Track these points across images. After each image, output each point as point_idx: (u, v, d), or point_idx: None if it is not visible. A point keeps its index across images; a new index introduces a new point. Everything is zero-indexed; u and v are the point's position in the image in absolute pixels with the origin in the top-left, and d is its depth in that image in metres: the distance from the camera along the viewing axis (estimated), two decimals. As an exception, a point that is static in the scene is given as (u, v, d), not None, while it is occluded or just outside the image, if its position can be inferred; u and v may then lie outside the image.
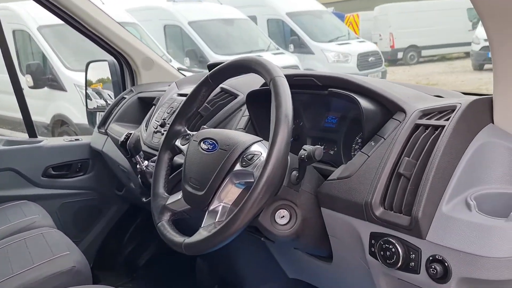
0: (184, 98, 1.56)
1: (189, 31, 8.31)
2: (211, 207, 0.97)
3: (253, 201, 0.85)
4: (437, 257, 0.81)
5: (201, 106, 1.14)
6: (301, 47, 10.08)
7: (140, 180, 1.38)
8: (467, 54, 13.29)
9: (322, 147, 0.91)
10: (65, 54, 6.15)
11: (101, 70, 2.55)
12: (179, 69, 2.43)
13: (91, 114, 2.64)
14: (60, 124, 6.20)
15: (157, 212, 1.08)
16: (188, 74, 2.40)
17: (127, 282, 2.26)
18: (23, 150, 2.16)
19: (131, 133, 1.30)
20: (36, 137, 2.31)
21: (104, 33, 2.16)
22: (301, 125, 1.31)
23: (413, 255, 0.84)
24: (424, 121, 0.93)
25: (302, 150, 0.92)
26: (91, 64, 2.50)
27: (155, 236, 2.41)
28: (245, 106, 1.37)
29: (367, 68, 9.95)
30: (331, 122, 1.21)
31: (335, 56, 9.98)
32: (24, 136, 2.39)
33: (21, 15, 6.32)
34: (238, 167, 0.95)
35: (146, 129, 1.66)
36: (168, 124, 1.50)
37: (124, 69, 2.36)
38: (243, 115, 1.34)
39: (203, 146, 1.03)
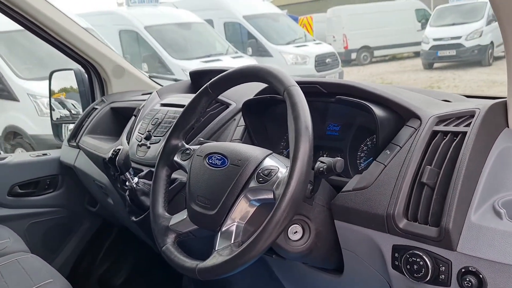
0: (169, 109, 1.49)
1: (145, 36, 8.13)
2: (224, 227, 0.90)
3: (277, 220, 0.79)
4: (470, 269, 0.78)
5: (199, 118, 1.07)
6: (259, 50, 10.10)
7: (128, 198, 1.29)
8: (417, 54, 13.75)
9: (341, 159, 0.87)
10: (16, 62, 5.85)
11: (64, 79, 2.41)
12: (150, 77, 2.33)
13: (56, 126, 2.49)
14: (12, 136, 5.88)
15: (160, 235, 0.99)
16: (162, 82, 2.31)
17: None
18: (-14, 168, 2.00)
19: (119, 149, 1.21)
20: (-1, 153, 2.15)
21: (70, 40, 2.03)
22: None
23: (443, 268, 0.81)
24: (442, 128, 0.91)
25: (319, 162, 0.87)
26: (54, 74, 2.36)
27: (132, 253, 2.33)
28: (238, 115, 1.31)
29: (325, 69, 10.08)
30: (333, 129, 1.17)
31: (293, 58, 10.06)
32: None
33: (-34, 22, 5.95)
34: (254, 183, 0.89)
35: (128, 142, 1.56)
36: (155, 136, 1.42)
37: (93, 78, 2.24)
38: (238, 125, 1.28)
39: (210, 161, 0.96)
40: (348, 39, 15.15)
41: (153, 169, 1.33)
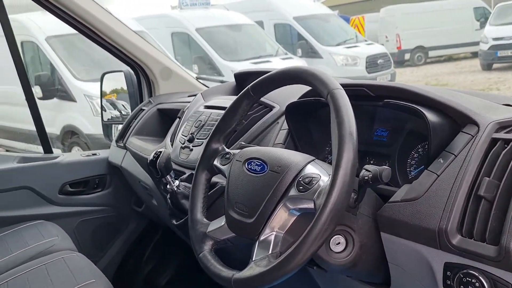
0: (212, 111, 1.47)
1: (196, 38, 8.24)
2: (262, 237, 0.86)
3: (317, 232, 0.74)
4: None
5: (240, 122, 1.04)
6: (309, 52, 9.99)
7: (169, 201, 1.28)
8: (474, 54, 13.13)
9: (388, 167, 0.80)
10: (74, 64, 6.10)
11: (115, 81, 2.47)
12: (197, 78, 2.34)
13: (106, 127, 2.55)
14: (70, 135, 6.14)
15: (197, 241, 0.97)
16: (209, 83, 2.31)
17: (149, 303, 2.15)
18: (39, 167, 2.07)
19: (160, 151, 1.20)
20: (52, 152, 2.22)
21: (120, 42, 2.07)
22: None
23: None
24: (502, 135, 0.83)
25: (364, 170, 0.81)
26: (106, 75, 2.41)
27: (176, 255, 2.33)
28: (282, 118, 1.27)
29: (376, 70, 9.85)
30: (381, 135, 1.11)
31: (343, 59, 9.88)
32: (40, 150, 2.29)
33: (29, 27, 6.28)
34: (294, 191, 0.84)
35: (172, 144, 1.56)
36: (198, 139, 1.40)
37: (141, 79, 2.27)
38: (281, 129, 1.24)
39: (249, 167, 0.92)
40: (402, 39, 14.72)
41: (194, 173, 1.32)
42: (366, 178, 0.80)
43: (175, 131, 1.60)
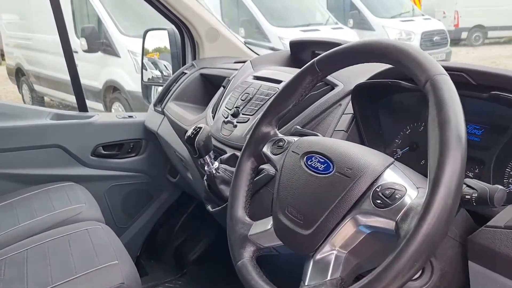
0: (262, 83, 1.28)
1: (245, 0, 7.94)
2: (320, 255, 0.68)
3: (401, 268, 0.55)
4: None
5: (298, 102, 0.85)
6: (361, 23, 9.52)
7: (206, 184, 1.11)
8: (539, 38, 12.24)
9: (505, 188, 0.60)
10: (120, 18, 5.98)
11: (159, 39, 2.30)
12: (245, 43, 2.13)
13: (146, 87, 2.40)
14: (112, 90, 6.09)
15: (236, 245, 0.80)
16: (258, 50, 2.11)
17: (176, 279, 2.04)
18: (72, 125, 1.95)
19: (200, 128, 1.03)
20: (87, 111, 2.09)
21: (167, -2, 1.89)
22: (420, 130, 0.99)
23: None
24: None
25: (466, 187, 0.61)
26: (149, 33, 2.25)
27: (209, 230, 2.20)
28: (345, 100, 1.06)
29: (431, 48, 9.31)
30: (473, 133, 0.89)
31: (397, 33, 9.37)
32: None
33: (78, -23, 6.18)
34: (368, 205, 0.65)
35: (214, 117, 1.38)
36: (244, 114, 1.22)
37: (186, 40, 2.09)
38: (344, 113, 1.04)
39: (309, 163, 0.74)
40: (460, 16, 13.91)
41: (237, 153, 1.14)
42: (468, 197, 0.60)
43: (218, 101, 1.42)
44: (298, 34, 7.65)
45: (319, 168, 0.72)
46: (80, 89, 2.04)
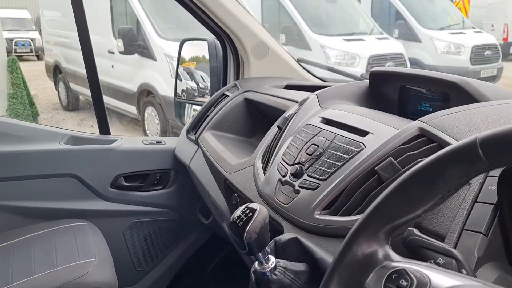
0: (337, 131, 0.92)
1: (287, 5, 7.59)
2: None
3: None
4: None
5: (435, 206, 0.49)
6: (407, 33, 9.03)
7: (254, 283, 0.76)
8: None
9: None
10: (159, 21, 5.75)
11: (197, 47, 1.99)
12: (298, 61, 1.78)
13: (179, 105, 2.08)
14: (146, 94, 5.87)
15: None
16: (314, 70, 1.76)
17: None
18: (91, 151, 1.65)
19: (253, 210, 0.68)
20: (109, 133, 1.79)
21: (208, 3, 1.56)
22: None
23: None
24: None
25: None
26: (187, 42, 1.93)
27: (246, 276, 1.87)
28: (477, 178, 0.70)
29: (481, 62, 8.77)
30: None
31: (445, 46, 8.84)
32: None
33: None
34: None
35: (265, 169, 1.03)
36: (310, 176, 0.86)
37: (228, 53, 1.76)
38: (477, 201, 0.67)
39: None
40: (510, 30, 13.27)
41: (300, 238, 0.79)
42: None
43: (271, 146, 1.07)
44: (341, 43, 7.24)
45: None
46: (103, 108, 1.73)
